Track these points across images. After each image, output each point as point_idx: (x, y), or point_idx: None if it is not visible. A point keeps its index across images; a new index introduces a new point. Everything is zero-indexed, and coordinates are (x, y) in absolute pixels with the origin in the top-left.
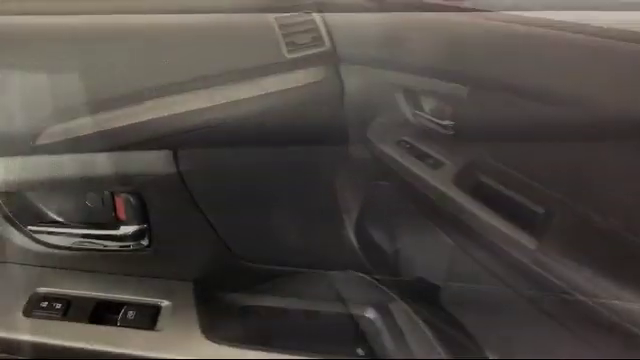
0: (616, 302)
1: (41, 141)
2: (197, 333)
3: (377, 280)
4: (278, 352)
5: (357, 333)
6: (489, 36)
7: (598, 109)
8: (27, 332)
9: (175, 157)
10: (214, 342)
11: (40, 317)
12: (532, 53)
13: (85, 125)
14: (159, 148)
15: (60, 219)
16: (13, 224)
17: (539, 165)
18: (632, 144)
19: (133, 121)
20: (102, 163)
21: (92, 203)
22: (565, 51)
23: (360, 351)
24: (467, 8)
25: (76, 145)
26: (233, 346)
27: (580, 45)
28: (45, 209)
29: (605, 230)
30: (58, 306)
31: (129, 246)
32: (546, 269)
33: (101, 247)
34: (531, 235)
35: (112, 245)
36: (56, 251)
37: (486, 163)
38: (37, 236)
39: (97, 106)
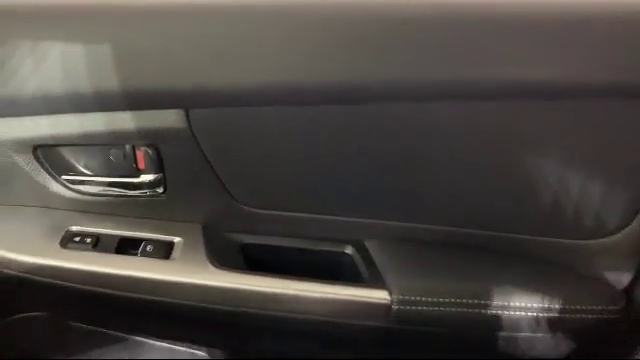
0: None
1: (74, 101)
2: (204, 262)
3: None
4: (271, 277)
5: (338, 265)
6: None
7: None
8: (64, 260)
9: (187, 116)
10: (218, 269)
11: (74, 249)
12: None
13: (111, 87)
14: (173, 108)
15: (88, 171)
16: (50, 174)
17: None
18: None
19: (153, 85)
20: (124, 121)
21: (115, 158)
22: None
23: None
24: None
25: (102, 104)
26: (234, 272)
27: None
28: (76, 162)
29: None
30: (88, 241)
31: (147, 193)
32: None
33: (123, 194)
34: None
35: (132, 192)
36: (86, 197)
37: None
38: (70, 185)
39: (121, 74)
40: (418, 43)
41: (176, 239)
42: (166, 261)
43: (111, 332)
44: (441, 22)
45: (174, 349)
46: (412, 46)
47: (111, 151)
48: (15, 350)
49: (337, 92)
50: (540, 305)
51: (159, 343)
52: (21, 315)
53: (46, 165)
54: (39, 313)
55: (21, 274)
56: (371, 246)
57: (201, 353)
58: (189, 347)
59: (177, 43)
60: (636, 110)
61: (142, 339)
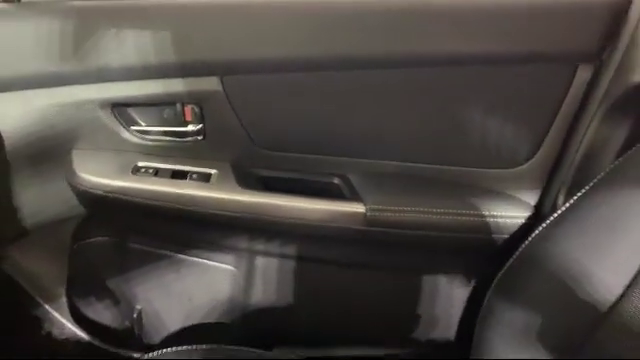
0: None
1: (142, 72)
2: (233, 185)
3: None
4: (280, 195)
5: (328, 190)
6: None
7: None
8: (134, 182)
9: (222, 81)
10: (243, 189)
11: (140, 176)
12: None
13: (168, 61)
14: (212, 75)
15: (150, 123)
16: (123, 126)
17: None
18: None
19: (197, 59)
20: (176, 86)
21: (168, 114)
22: None
23: None
24: None
25: (162, 74)
26: (254, 191)
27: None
28: (141, 117)
29: None
30: (150, 171)
31: (191, 139)
32: None
33: (175, 140)
34: None
35: (181, 139)
36: (148, 142)
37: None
38: (136, 133)
39: (176, 52)
40: (388, 27)
41: (213, 171)
42: (206, 183)
43: (160, 251)
44: (407, 11)
45: (208, 266)
46: (385, 30)
47: (166, 110)
48: (84, 271)
49: (328, 63)
50: (471, 211)
51: (196, 260)
52: (91, 240)
53: (120, 119)
54: (105, 238)
55: (105, 193)
56: (352, 177)
57: (230, 267)
58: (219, 263)
59: (214, 31)
60: (538, 72)
61: (183, 257)
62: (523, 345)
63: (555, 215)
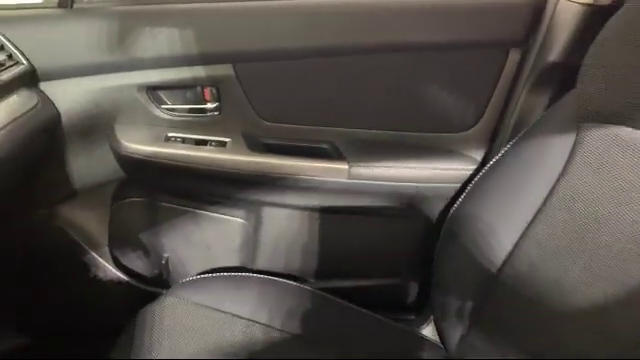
0: None
1: (171, 61)
2: (246, 150)
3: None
4: (281, 156)
5: (318, 154)
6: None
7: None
8: (166, 148)
9: (234, 68)
10: (252, 151)
11: (171, 143)
12: None
13: (192, 52)
14: (226, 63)
15: (177, 102)
16: (156, 105)
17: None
18: None
19: (214, 51)
20: (198, 72)
21: (191, 94)
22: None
23: None
24: None
25: (187, 62)
26: (261, 154)
27: None
28: (170, 97)
29: None
30: (178, 140)
31: (210, 114)
32: None
33: (196, 115)
34: None
35: (201, 114)
36: (175, 118)
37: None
38: (166, 111)
39: (198, 45)
40: (363, 24)
41: (227, 139)
42: (223, 148)
43: (184, 208)
44: (377, 11)
45: (223, 219)
46: (361, 26)
47: (188, 91)
48: (122, 225)
49: (317, 52)
50: (432, 165)
51: (213, 215)
52: (128, 200)
53: (153, 99)
54: (139, 198)
55: (142, 157)
56: (338, 143)
57: (241, 220)
58: (232, 217)
59: (227, 28)
60: (479, 56)
61: (202, 212)
62: (462, 270)
63: (486, 167)
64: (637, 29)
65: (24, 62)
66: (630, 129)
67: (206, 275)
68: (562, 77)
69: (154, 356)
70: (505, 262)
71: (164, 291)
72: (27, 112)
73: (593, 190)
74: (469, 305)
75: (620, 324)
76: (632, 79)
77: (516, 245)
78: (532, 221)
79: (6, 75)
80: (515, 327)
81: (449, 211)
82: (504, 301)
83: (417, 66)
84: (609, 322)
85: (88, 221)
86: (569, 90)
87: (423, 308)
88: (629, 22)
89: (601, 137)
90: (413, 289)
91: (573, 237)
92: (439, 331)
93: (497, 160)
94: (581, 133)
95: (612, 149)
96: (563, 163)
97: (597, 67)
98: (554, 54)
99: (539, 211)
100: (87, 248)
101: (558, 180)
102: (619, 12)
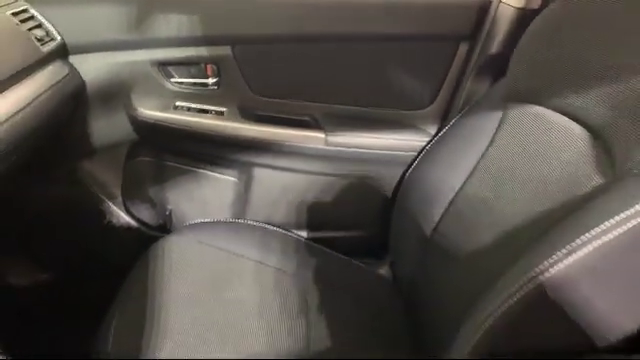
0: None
1: (179, 41)
2: (240, 117)
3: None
4: (272, 124)
5: (301, 125)
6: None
7: None
8: (175, 114)
9: (232, 49)
10: (246, 120)
11: (178, 111)
12: None
13: (197, 34)
14: (225, 44)
15: (183, 76)
16: (166, 78)
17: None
18: None
19: (216, 34)
20: (202, 51)
21: (195, 70)
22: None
23: None
24: None
25: (192, 43)
26: (253, 122)
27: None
28: (177, 72)
29: None
30: (184, 108)
31: (210, 88)
32: None
33: (199, 89)
34: None
35: (203, 88)
36: (183, 90)
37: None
38: (174, 83)
39: (203, 29)
40: (338, 16)
41: (225, 109)
42: (221, 117)
43: (186, 167)
44: (349, 7)
45: (219, 178)
46: (337, 17)
47: (192, 68)
48: (134, 181)
49: (302, 38)
50: (393, 137)
51: (211, 174)
52: (139, 159)
53: (163, 73)
54: (148, 158)
55: (154, 121)
56: (318, 116)
57: (234, 179)
58: (227, 176)
59: (226, 15)
60: (435, 47)
61: (202, 171)
62: (411, 222)
63: (435, 138)
64: (552, 27)
65: (57, 37)
66: (544, 108)
67: (207, 220)
68: (500, 66)
69: (164, 287)
70: (442, 216)
71: (161, 239)
72: (60, 80)
73: (512, 156)
74: (415, 251)
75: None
76: (547, 68)
77: (451, 202)
78: (464, 182)
79: (46, 48)
80: (449, 270)
81: (401, 177)
82: (441, 249)
83: (383, 54)
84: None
85: (105, 175)
86: (504, 76)
87: (383, 253)
88: (547, 21)
89: (522, 114)
90: (376, 238)
91: (493, 191)
92: (393, 272)
93: (443, 133)
94: (507, 111)
95: (530, 124)
96: (492, 134)
97: (523, 57)
98: (494, 47)
99: (470, 174)
100: (103, 198)
101: (487, 148)
102: (541, 13)
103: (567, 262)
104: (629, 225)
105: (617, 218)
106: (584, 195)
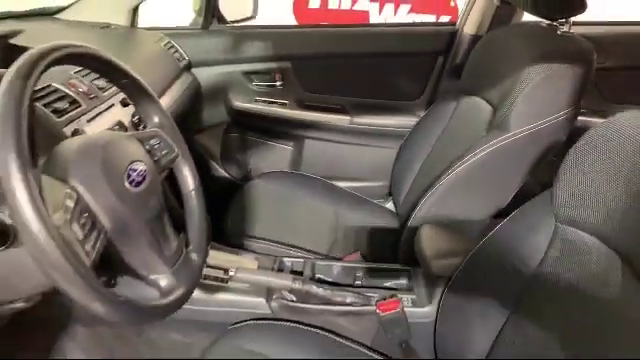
0: None
1: (256, 59)
2: (295, 106)
3: None
4: (316, 112)
5: (335, 111)
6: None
7: None
8: (255, 104)
9: (291, 63)
10: (299, 107)
11: (257, 102)
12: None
13: (268, 53)
14: (287, 60)
15: (260, 82)
16: (250, 83)
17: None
18: None
19: (281, 53)
20: (271, 65)
21: (267, 78)
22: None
23: None
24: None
25: (265, 59)
26: (306, 108)
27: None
28: (255, 79)
29: None
30: (261, 101)
31: (277, 88)
32: None
33: (270, 89)
34: None
35: (273, 88)
36: (259, 89)
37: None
38: (255, 85)
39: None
40: (353, 40)
41: (286, 102)
42: (284, 106)
43: (261, 140)
44: (361, 34)
45: (279, 147)
46: (352, 41)
47: (266, 76)
48: (228, 149)
49: (333, 55)
50: (392, 122)
51: (275, 145)
52: (232, 134)
53: (248, 79)
54: (237, 134)
55: (242, 109)
56: (345, 105)
57: (289, 147)
58: (284, 145)
59: (286, 41)
60: (420, 59)
61: (270, 142)
62: (406, 172)
63: (419, 120)
64: (483, 47)
65: (185, 57)
66: (477, 97)
67: (274, 170)
68: (461, 72)
69: (254, 216)
70: (421, 165)
71: (248, 183)
72: (189, 84)
73: (455, 127)
74: (408, 187)
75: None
76: (479, 71)
77: (425, 159)
78: (432, 145)
79: (181, 64)
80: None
81: (400, 146)
82: (421, 182)
83: (388, 63)
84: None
85: (210, 143)
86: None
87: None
88: (482, 44)
89: (466, 102)
90: (384, 185)
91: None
92: (394, 204)
93: (423, 117)
94: (459, 100)
95: (466, 108)
96: (449, 116)
97: (469, 66)
98: (458, 59)
99: (436, 140)
100: (207, 158)
101: (445, 126)
102: (481, 39)
103: None
104: None
105: None
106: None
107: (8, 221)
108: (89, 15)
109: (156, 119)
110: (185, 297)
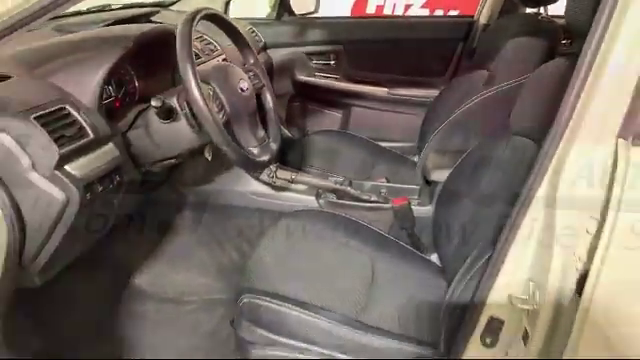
0: None
1: (317, 43)
2: (346, 80)
3: None
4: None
5: (378, 83)
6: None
7: None
8: (315, 77)
9: (344, 46)
10: (350, 81)
11: (316, 75)
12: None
13: (325, 39)
14: (339, 44)
15: (318, 61)
16: (310, 61)
17: None
18: None
19: (336, 38)
20: (327, 47)
21: (323, 57)
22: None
23: None
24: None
25: (322, 42)
26: (353, 83)
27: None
28: (314, 58)
29: None
30: (319, 76)
31: (332, 66)
32: None
33: (326, 66)
34: None
35: (328, 66)
36: (317, 66)
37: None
38: (314, 63)
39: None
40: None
41: (338, 76)
42: (337, 79)
43: (317, 107)
44: (388, 24)
45: (331, 112)
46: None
47: (322, 56)
48: (295, 115)
49: (378, 40)
50: (415, 95)
51: (328, 112)
52: (295, 103)
53: (309, 58)
54: (299, 103)
55: (303, 82)
56: (384, 80)
57: (339, 114)
58: (334, 112)
59: (341, 29)
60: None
61: (325, 108)
62: (429, 131)
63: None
64: (492, 28)
65: (262, 40)
66: (482, 70)
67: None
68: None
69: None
70: (442, 126)
71: (305, 137)
72: (265, 61)
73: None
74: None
75: None
76: (485, 47)
77: (444, 122)
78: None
79: (260, 45)
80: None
81: (425, 113)
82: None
83: (417, 48)
84: None
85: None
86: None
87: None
88: (490, 27)
89: (475, 74)
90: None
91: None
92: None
93: (443, 90)
94: (471, 74)
95: (475, 79)
96: (464, 88)
97: (479, 44)
98: (475, 44)
99: (457, 110)
100: None
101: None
102: (487, 28)
103: None
104: None
105: None
106: None
107: (174, 104)
108: (194, 7)
109: (251, 60)
110: (266, 164)
